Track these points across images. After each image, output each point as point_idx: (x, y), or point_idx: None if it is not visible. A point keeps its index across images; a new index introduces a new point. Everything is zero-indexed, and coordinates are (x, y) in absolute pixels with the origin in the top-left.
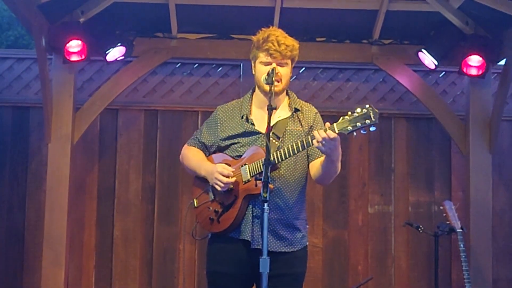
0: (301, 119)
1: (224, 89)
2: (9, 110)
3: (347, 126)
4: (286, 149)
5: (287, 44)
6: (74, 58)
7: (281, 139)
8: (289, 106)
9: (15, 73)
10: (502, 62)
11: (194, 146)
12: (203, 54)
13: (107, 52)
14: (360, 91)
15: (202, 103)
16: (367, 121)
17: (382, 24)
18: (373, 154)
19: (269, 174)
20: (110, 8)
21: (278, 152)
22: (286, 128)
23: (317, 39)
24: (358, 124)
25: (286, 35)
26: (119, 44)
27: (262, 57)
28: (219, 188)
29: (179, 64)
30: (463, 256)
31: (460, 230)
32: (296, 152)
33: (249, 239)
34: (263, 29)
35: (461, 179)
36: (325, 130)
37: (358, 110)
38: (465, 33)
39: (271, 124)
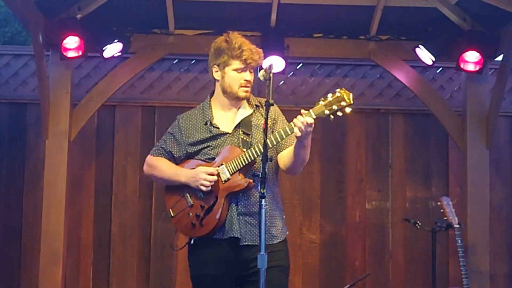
0: (263, 113)
1: None
2: (6, 107)
3: (324, 110)
4: (269, 140)
5: (258, 51)
6: (71, 54)
7: (250, 135)
8: (248, 103)
9: (12, 70)
10: (499, 58)
11: (160, 156)
12: (200, 50)
13: (104, 49)
14: (357, 87)
15: (199, 99)
16: (343, 103)
17: (379, 20)
18: (370, 150)
19: (266, 169)
20: (107, 4)
21: (256, 146)
22: (252, 124)
23: (314, 35)
24: (334, 107)
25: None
26: (116, 40)
27: (237, 64)
28: (204, 188)
29: (176, 60)
30: (461, 252)
31: (458, 225)
32: (279, 140)
33: (238, 236)
34: (224, 35)
35: (458, 175)
36: (304, 116)
37: (330, 95)
38: (462, 29)
39: (236, 123)
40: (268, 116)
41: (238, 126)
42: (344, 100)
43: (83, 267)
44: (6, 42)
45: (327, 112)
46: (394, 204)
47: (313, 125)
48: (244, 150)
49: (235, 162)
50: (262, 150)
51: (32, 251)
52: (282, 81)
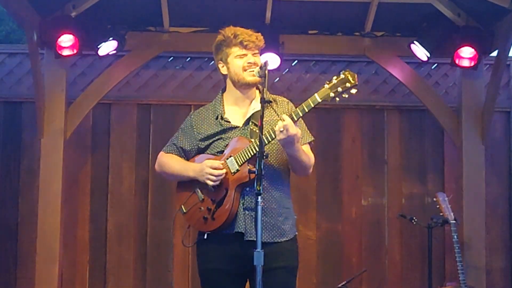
0: (275, 109)
1: (216, 82)
2: (1, 105)
3: (329, 93)
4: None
5: (256, 34)
6: (66, 52)
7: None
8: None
9: (7, 68)
10: (494, 54)
11: (172, 153)
12: (196, 47)
13: (99, 47)
14: None
15: (195, 97)
16: (348, 84)
17: (374, 16)
18: (366, 146)
19: (262, 167)
20: (102, 2)
21: (264, 135)
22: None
23: (309, 32)
24: (339, 89)
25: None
26: (111, 38)
27: (236, 51)
28: (210, 183)
29: (171, 58)
30: (457, 248)
31: (454, 221)
32: (270, 140)
33: (243, 231)
34: (220, 31)
35: (454, 171)
36: (282, 119)
37: (335, 77)
38: (457, 24)
39: (247, 117)
40: (280, 110)
41: (249, 120)
42: (348, 81)
43: (79, 265)
44: (0, 41)
45: (332, 94)
46: (390, 200)
47: (290, 130)
48: (252, 140)
49: (243, 152)
50: (270, 139)
51: (28, 250)
52: (278, 78)
